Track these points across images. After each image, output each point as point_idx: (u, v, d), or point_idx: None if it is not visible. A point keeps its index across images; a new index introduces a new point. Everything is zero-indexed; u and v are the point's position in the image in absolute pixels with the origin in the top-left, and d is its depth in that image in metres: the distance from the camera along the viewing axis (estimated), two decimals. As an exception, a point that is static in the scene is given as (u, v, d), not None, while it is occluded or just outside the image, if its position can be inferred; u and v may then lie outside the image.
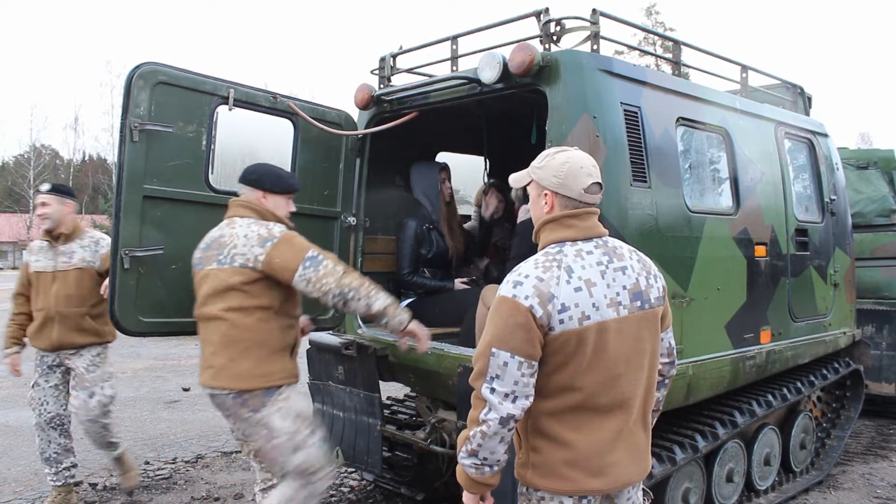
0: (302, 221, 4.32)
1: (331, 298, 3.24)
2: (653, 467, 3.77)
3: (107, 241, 4.64)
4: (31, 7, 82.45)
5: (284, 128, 4.28)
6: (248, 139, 4.35)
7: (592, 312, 2.15)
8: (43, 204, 4.77)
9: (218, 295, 3.27)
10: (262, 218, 3.41)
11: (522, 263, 2.24)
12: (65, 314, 4.68)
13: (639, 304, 2.25)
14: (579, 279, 2.16)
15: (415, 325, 3.46)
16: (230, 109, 3.97)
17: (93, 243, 4.81)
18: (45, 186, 4.88)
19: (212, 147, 3.92)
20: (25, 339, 4.88)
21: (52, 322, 4.67)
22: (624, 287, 2.23)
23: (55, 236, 4.75)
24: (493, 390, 2.11)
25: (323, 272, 3.22)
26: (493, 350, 2.12)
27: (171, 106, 3.73)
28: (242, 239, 3.27)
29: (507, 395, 2.11)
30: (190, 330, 4.10)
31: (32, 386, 4.82)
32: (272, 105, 4.18)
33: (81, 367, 4.75)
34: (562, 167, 2.28)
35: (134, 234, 3.65)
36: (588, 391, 2.17)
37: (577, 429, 2.18)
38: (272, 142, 4.39)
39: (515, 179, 2.51)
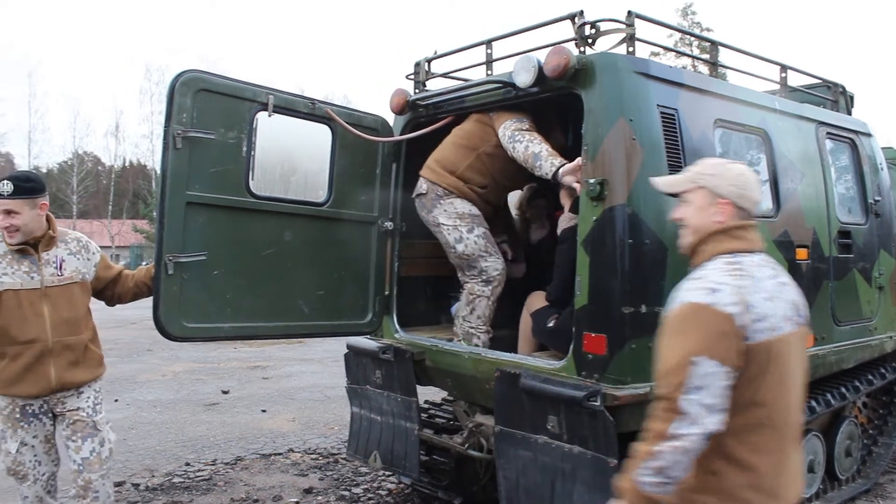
0: (339, 226, 4.38)
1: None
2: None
3: (95, 245, 3.85)
4: (72, 17, 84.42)
5: (322, 133, 4.31)
6: (286, 145, 4.38)
7: (779, 324, 2.11)
8: (8, 212, 3.45)
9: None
10: None
11: (704, 272, 2.18)
12: (67, 345, 3.56)
13: (801, 320, 2.23)
14: (764, 290, 2.12)
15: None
16: (269, 115, 3.99)
17: (82, 249, 3.74)
18: (6, 186, 3.45)
19: (252, 153, 3.95)
20: None
21: (49, 357, 3.51)
22: (790, 302, 2.20)
23: (32, 241, 3.57)
24: (695, 403, 2.00)
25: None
26: (695, 359, 2.01)
27: (212, 113, 3.76)
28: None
29: (710, 408, 2.00)
30: (232, 335, 4.14)
31: (16, 450, 3.58)
32: (311, 111, 4.21)
33: (85, 408, 3.64)
34: (739, 178, 2.28)
35: (177, 240, 3.69)
36: (770, 407, 2.11)
37: (757, 449, 2.11)
38: (310, 147, 4.43)
39: (668, 183, 2.46)
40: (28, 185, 3.51)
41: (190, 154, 3.69)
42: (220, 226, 3.86)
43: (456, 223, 4.35)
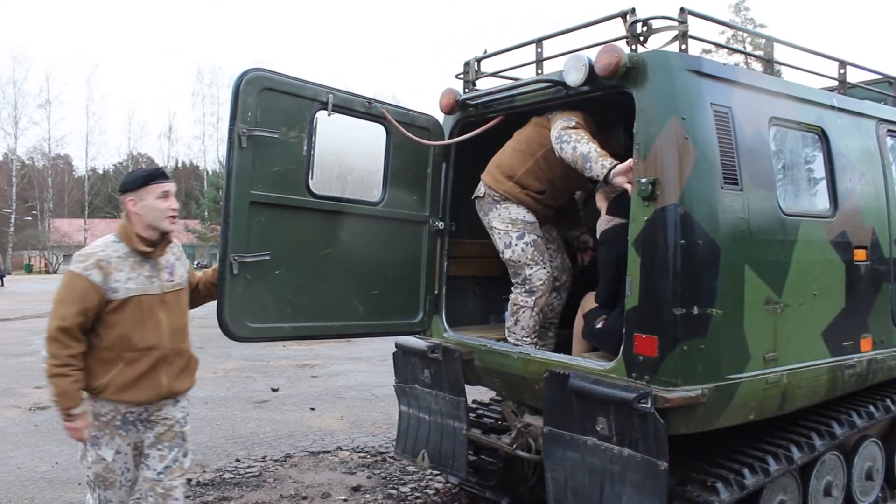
0: (393, 226, 4.41)
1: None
2: (745, 477, 3.67)
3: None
4: (129, 22, 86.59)
5: (375, 132, 4.33)
6: (342, 144, 4.38)
7: None
8: (175, 195, 3.45)
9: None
10: None
11: None
12: (179, 352, 3.46)
13: None
14: None
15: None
16: (329, 115, 4.01)
17: (181, 254, 3.64)
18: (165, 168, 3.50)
19: (311, 152, 3.97)
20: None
21: (163, 364, 3.38)
22: None
23: (153, 242, 3.40)
24: None
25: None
26: None
27: (275, 111, 3.78)
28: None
29: None
30: (292, 335, 4.16)
31: (112, 458, 3.37)
32: (367, 110, 4.23)
33: (178, 417, 3.51)
34: None
35: (242, 240, 3.71)
36: None
37: None
38: (363, 146, 4.44)
39: None
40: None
41: (254, 153, 3.71)
42: (281, 225, 3.88)
43: (507, 228, 4.37)
